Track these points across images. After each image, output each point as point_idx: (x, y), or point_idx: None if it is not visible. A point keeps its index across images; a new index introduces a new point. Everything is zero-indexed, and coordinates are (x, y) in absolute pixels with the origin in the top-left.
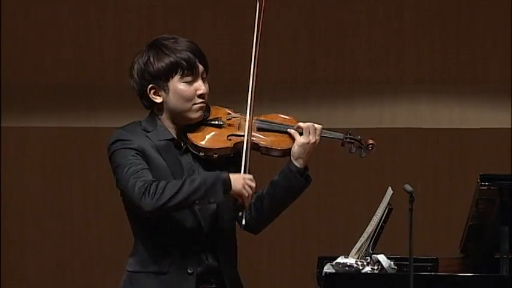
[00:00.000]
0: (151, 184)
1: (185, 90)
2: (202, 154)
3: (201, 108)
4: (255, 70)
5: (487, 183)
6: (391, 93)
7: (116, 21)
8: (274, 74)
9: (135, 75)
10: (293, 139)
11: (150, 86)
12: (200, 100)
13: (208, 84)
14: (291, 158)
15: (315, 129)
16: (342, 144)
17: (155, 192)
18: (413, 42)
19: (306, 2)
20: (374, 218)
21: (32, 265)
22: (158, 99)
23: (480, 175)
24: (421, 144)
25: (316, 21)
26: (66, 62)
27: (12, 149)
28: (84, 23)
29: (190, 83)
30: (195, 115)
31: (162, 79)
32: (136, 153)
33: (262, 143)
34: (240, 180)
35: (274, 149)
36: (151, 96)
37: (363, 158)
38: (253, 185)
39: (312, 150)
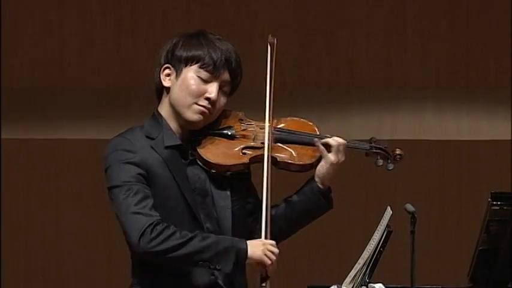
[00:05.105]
0: (158, 225)
1: (194, 83)
2: (214, 171)
3: (201, 112)
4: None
5: (499, 203)
6: (391, 99)
7: (78, 19)
8: (258, 77)
9: (161, 55)
10: (316, 152)
11: (166, 65)
12: (204, 103)
13: (225, 101)
14: (315, 177)
15: (344, 146)
16: (367, 155)
17: (157, 237)
18: (417, 42)
19: None
20: (371, 241)
21: None
22: (166, 83)
23: (491, 193)
24: (425, 158)
25: (307, 16)
26: (21, 64)
27: None
28: (42, 21)
29: (204, 81)
30: (193, 116)
31: (181, 62)
32: (138, 174)
33: (281, 158)
34: (259, 247)
35: (295, 164)
36: (162, 76)
37: (390, 172)
38: (276, 251)
39: (338, 168)
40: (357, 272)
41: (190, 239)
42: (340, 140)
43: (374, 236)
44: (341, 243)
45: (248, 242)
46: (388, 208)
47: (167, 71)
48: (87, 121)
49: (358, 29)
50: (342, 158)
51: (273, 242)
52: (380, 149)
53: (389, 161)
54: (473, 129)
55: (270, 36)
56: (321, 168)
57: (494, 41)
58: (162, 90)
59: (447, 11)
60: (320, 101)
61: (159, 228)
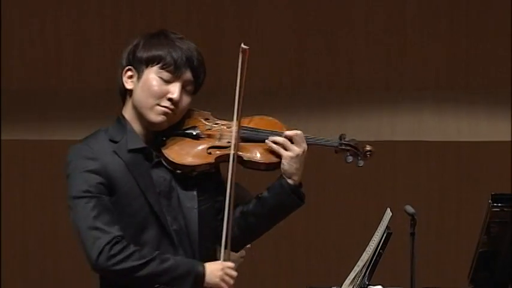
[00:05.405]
0: (117, 243)
1: (155, 84)
2: (180, 172)
3: (164, 113)
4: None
5: (499, 204)
6: (390, 100)
7: (76, 20)
8: (256, 77)
9: (123, 57)
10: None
11: (128, 67)
12: (167, 104)
13: (189, 101)
14: (283, 174)
15: (301, 136)
16: (336, 152)
17: (115, 256)
18: (417, 42)
19: None
20: (370, 243)
21: None
22: (129, 85)
23: (492, 195)
24: (425, 160)
25: (306, 16)
26: (20, 65)
27: None
28: (41, 22)
29: (166, 81)
30: (156, 118)
31: (142, 63)
32: (98, 183)
33: (247, 157)
34: (217, 273)
35: (261, 162)
36: (125, 79)
37: (360, 168)
38: (234, 273)
39: (303, 160)
40: (357, 274)
41: (149, 261)
42: (289, 133)
43: (374, 238)
44: (340, 244)
45: (207, 265)
46: (388, 210)
47: (129, 73)
48: (86, 122)
49: (358, 29)
50: (299, 150)
51: (232, 265)
52: (349, 145)
53: (359, 158)
54: (473, 130)
55: (242, 45)
56: (283, 165)
57: (494, 41)
58: (125, 93)
59: (447, 11)
60: (320, 101)
61: (118, 247)
